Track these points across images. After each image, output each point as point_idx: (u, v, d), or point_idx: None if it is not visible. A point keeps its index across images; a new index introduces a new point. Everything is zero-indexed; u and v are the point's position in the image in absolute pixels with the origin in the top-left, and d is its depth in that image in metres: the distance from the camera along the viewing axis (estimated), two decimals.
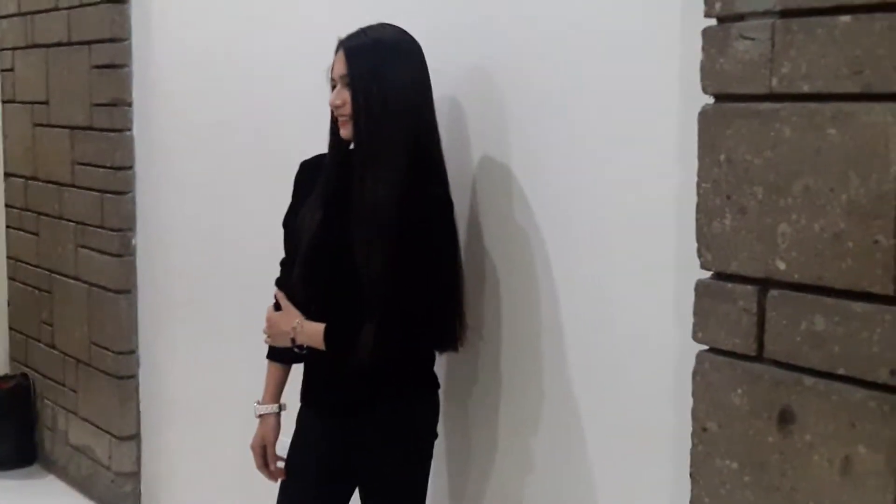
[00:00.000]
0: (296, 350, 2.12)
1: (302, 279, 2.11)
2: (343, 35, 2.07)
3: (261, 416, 2.26)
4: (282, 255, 2.24)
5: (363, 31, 2.06)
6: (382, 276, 1.96)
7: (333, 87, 2.07)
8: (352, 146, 2.06)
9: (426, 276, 2.00)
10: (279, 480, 2.24)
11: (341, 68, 2.03)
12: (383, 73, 2.00)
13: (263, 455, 2.25)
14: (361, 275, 1.98)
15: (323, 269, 2.09)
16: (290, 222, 2.20)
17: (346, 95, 2.02)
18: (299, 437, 2.21)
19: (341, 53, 2.04)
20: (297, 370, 2.23)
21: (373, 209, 1.97)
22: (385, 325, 1.98)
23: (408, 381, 2.12)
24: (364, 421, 2.09)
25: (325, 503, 2.19)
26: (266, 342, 2.22)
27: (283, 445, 2.24)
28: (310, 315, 2.10)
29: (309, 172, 2.20)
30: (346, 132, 2.05)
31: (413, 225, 1.98)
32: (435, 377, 2.17)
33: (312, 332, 2.07)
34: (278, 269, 2.25)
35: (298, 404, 2.21)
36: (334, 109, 2.06)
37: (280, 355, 2.24)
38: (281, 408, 2.27)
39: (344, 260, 2.00)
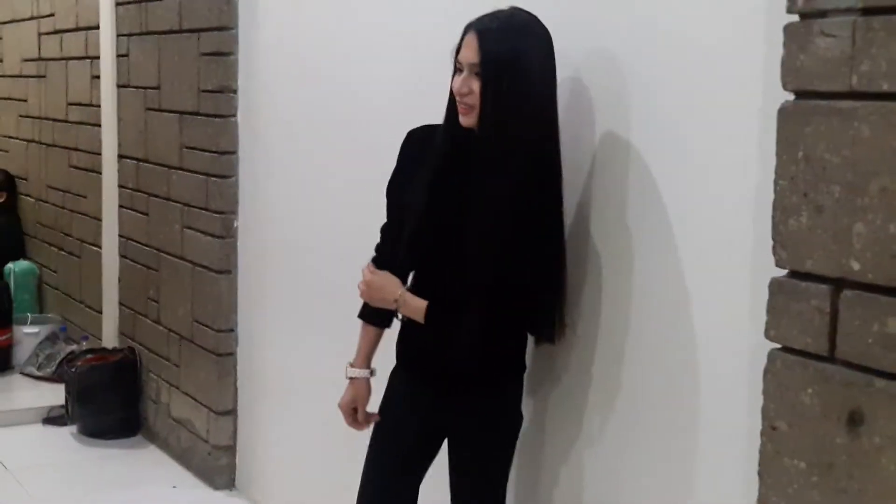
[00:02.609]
0: (397, 318, 2.18)
1: (407, 260, 2.16)
2: (473, 18, 2.00)
3: (351, 378, 2.31)
4: (379, 225, 2.27)
5: (495, 16, 1.99)
6: (490, 267, 1.99)
7: (457, 71, 2.01)
8: (472, 134, 2.03)
9: (531, 270, 2.01)
10: (370, 438, 2.28)
11: (472, 55, 1.96)
12: (516, 66, 1.94)
13: (353, 414, 2.31)
14: (469, 264, 2.00)
15: (427, 253, 2.13)
16: (394, 192, 2.22)
17: (473, 84, 1.96)
18: (392, 395, 2.26)
19: (473, 38, 1.96)
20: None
21: (491, 205, 1.98)
22: (488, 316, 2.01)
23: (503, 365, 2.15)
24: (459, 397, 2.13)
25: (414, 463, 2.23)
26: (362, 297, 2.23)
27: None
28: (412, 290, 2.14)
29: (417, 143, 2.18)
30: (468, 120, 2.00)
31: (524, 219, 1.99)
32: (524, 360, 2.19)
33: (414, 309, 2.11)
34: (370, 252, 2.29)
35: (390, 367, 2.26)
36: (459, 97, 2.00)
37: (374, 317, 2.27)
38: (372, 373, 2.31)
39: (450, 245, 2.03)
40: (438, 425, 2.20)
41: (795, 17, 1.43)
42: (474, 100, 1.97)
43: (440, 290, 2.11)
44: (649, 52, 1.98)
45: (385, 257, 2.22)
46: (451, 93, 2.05)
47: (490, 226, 1.99)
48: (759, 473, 1.50)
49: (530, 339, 2.20)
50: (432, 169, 2.11)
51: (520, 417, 2.21)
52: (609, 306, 2.11)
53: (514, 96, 1.95)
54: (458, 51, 2.01)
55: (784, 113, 1.44)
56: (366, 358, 2.32)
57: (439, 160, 2.10)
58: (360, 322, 2.32)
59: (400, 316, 2.18)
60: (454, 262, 2.04)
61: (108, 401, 4.31)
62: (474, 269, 2.01)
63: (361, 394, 2.31)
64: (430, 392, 2.18)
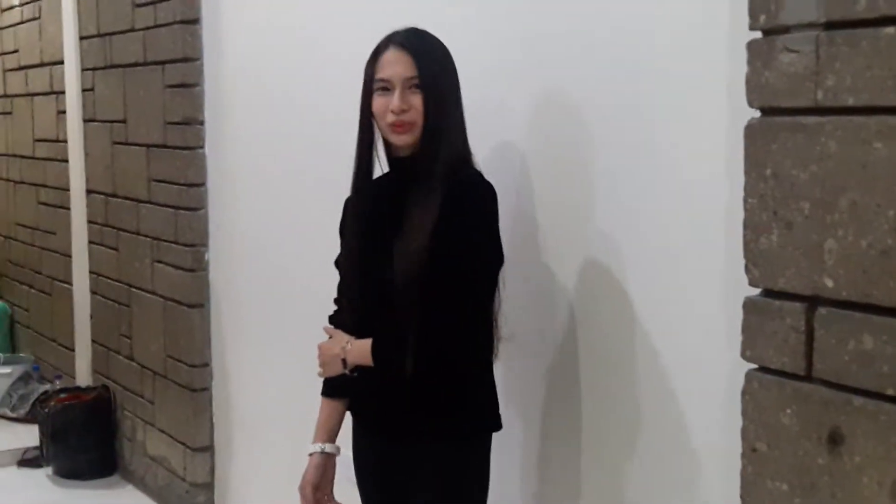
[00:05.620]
0: (347, 373, 2.03)
1: (349, 313, 2.07)
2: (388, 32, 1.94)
3: (309, 454, 2.14)
4: None
5: (411, 31, 1.94)
6: (418, 286, 1.85)
7: (379, 90, 1.91)
8: (404, 154, 1.96)
9: (461, 288, 1.86)
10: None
11: (405, 70, 1.88)
12: (448, 78, 1.92)
13: (304, 496, 2.11)
14: (398, 284, 1.87)
15: (368, 299, 2.01)
16: (341, 263, 2.12)
17: (413, 99, 1.87)
18: (354, 452, 2.14)
19: (401, 53, 1.89)
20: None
21: (423, 225, 1.86)
22: (425, 334, 1.85)
23: (460, 407, 1.97)
24: (411, 445, 1.98)
25: None
26: (319, 376, 2.13)
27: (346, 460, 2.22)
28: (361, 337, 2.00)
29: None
30: (407, 138, 1.90)
31: (450, 236, 1.85)
32: (497, 417, 2.03)
33: (361, 347, 1.97)
34: None
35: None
36: (396, 114, 1.88)
37: (332, 390, 2.14)
38: (329, 448, 2.13)
39: (387, 283, 1.90)
40: (396, 480, 2.02)
41: (758, 34, 1.42)
42: (414, 115, 1.88)
43: (387, 325, 1.94)
44: (608, 65, 1.97)
45: (336, 321, 2.13)
46: (364, 117, 1.97)
47: (418, 248, 1.84)
48: (742, 497, 1.47)
49: (504, 392, 2.09)
50: (358, 216, 2.02)
51: (485, 479, 2.01)
52: (584, 330, 2.08)
53: (451, 108, 1.91)
54: (374, 70, 1.93)
55: (750, 130, 1.43)
56: (320, 433, 2.14)
57: (365, 202, 2.01)
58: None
59: (348, 369, 2.01)
60: (393, 298, 1.90)
61: (83, 440, 4.26)
62: (401, 291, 1.86)
63: (311, 470, 2.11)
64: (383, 441, 2.04)
